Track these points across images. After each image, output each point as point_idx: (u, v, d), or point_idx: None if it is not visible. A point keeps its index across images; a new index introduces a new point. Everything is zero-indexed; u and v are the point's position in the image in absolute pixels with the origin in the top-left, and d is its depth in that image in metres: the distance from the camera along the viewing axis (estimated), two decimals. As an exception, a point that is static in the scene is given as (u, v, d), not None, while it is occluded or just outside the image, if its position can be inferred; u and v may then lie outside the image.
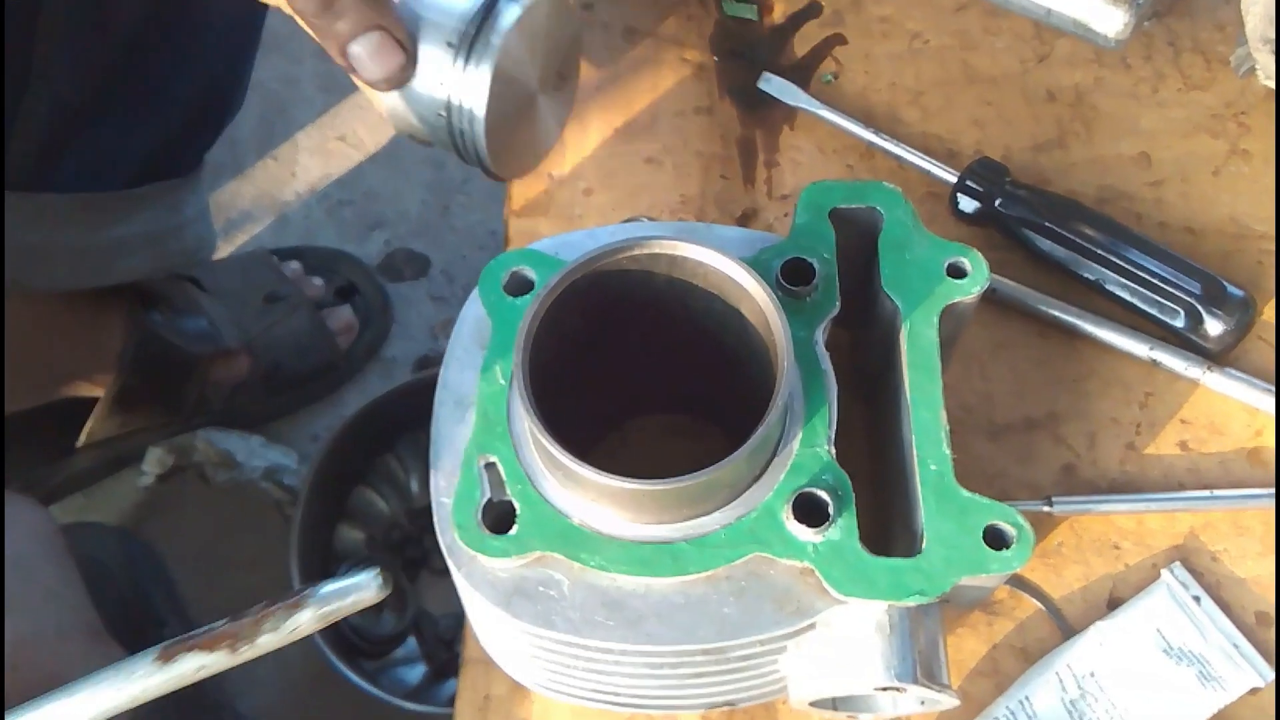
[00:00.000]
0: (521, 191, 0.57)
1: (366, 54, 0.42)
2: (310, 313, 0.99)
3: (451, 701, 0.89)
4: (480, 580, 0.36)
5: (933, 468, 0.37)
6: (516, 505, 0.37)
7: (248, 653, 0.32)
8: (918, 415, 0.37)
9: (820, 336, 0.39)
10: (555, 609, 0.35)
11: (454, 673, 0.90)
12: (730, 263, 0.37)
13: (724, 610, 0.35)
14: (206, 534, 0.97)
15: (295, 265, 1.03)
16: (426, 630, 0.92)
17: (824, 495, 0.36)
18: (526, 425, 0.36)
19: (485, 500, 0.37)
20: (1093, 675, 0.43)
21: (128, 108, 0.75)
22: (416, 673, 0.91)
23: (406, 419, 0.96)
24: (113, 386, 0.88)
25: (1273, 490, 0.45)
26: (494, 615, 0.36)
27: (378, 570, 0.33)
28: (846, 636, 0.35)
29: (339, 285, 1.04)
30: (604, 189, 0.56)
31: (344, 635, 0.87)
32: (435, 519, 0.38)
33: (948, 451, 0.37)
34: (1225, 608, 0.44)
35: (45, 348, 0.85)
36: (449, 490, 0.38)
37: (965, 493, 0.36)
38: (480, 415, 0.38)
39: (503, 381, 0.39)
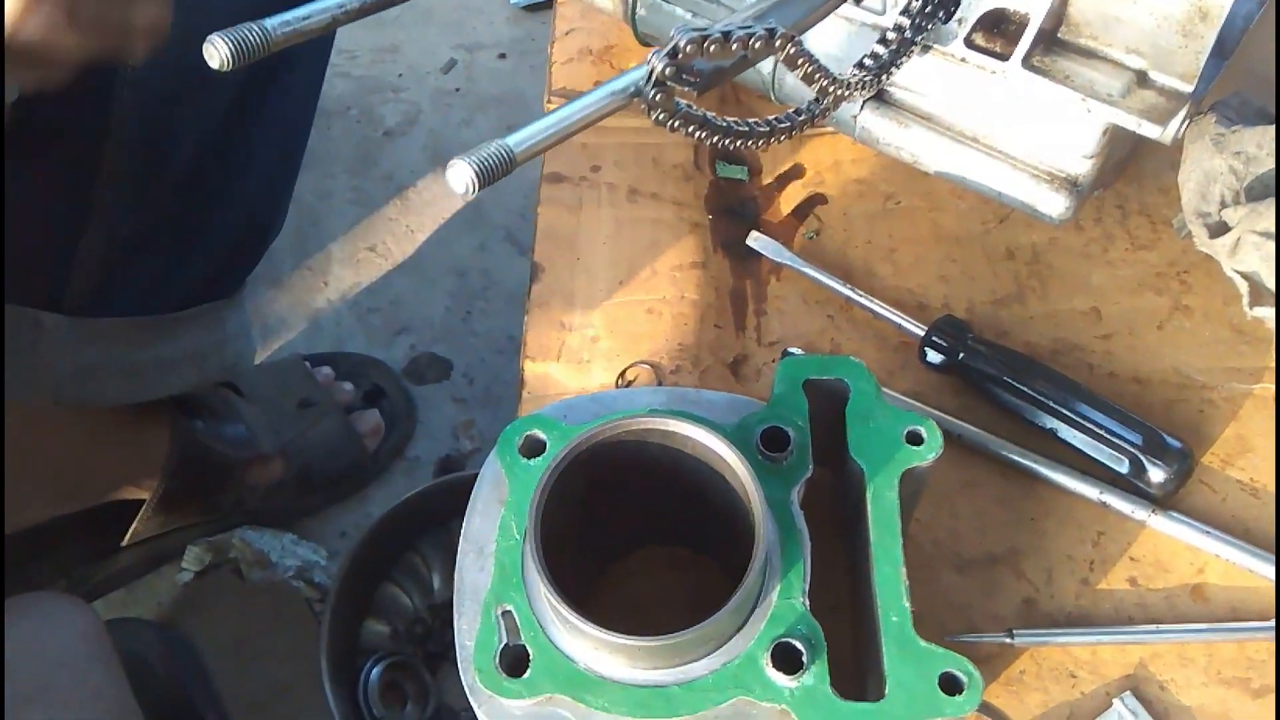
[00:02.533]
0: (536, 339, 0.63)
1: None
2: (340, 417, 1.06)
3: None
4: (499, 717, 0.42)
5: (894, 619, 0.41)
6: (530, 651, 0.42)
7: None
8: (880, 570, 0.42)
9: (795, 497, 0.44)
10: None
11: (469, 767, 0.94)
12: (715, 439, 0.43)
13: None
14: (240, 628, 1.02)
15: (327, 371, 1.10)
16: (446, 723, 0.96)
17: (799, 645, 0.40)
18: (539, 583, 0.42)
19: (502, 646, 0.42)
20: (1049, 797, 0.48)
21: (178, 240, 0.83)
22: (437, 765, 0.95)
23: (430, 518, 1.02)
24: (157, 490, 0.94)
25: (1213, 625, 0.50)
26: (511, 750, 0.42)
27: None
28: None
29: (367, 389, 1.11)
30: (609, 336, 0.63)
31: (368, 728, 0.92)
32: (459, 659, 0.43)
33: (907, 605, 0.41)
34: (1170, 737, 0.48)
35: (96, 457, 0.92)
36: (471, 634, 0.43)
37: (923, 643, 0.41)
38: (498, 566, 0.44)
39: (517, 536, 0.45)
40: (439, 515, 1.03)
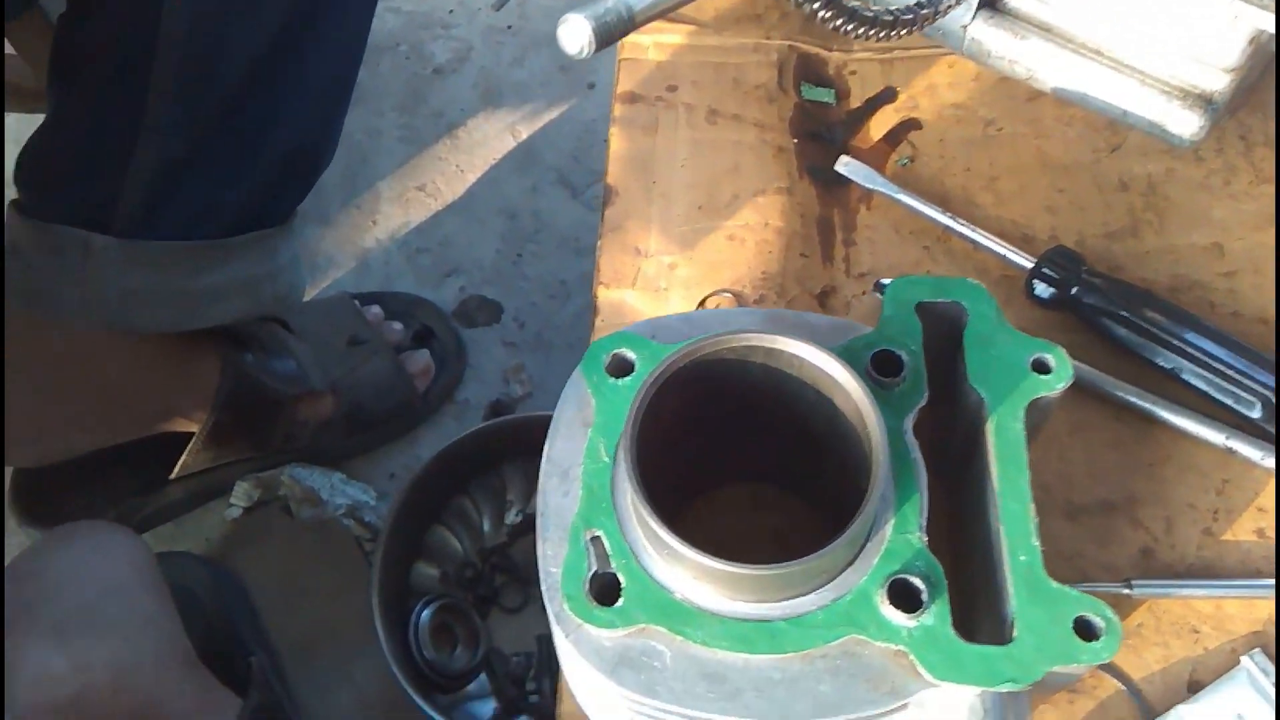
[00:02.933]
0: (610, 264, 0.60)
1: None
2: (391, 357, 1.03)
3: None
4: (587, 648, 0.39)
5: (1022, 559, 0.38)
6: (621, 579, 0.39)
7: None
8: (1006, 507, 0.39)
9: (909, 425, 0.41)
10: (658, 679, 0.38)
11: (525, 710, 0.93)
12: (827, 358, 0.39)
13: (820, 688, 0.37)
14: (288, 565, 1.01)
15: (376, 310, 1.08)
16: (498, 667, 0.95)
17: (918, 582, 0.38)
18: (632, 505, 0.39)
19: (592, 573, 0.39)
20: (1168, 757, 0.45)
21: (228, 161, 0.80)
22: (487, 708, 0.94)
23: (480, 462, 1.00)
24: (207, 423, 0.93)
25: (1271, 581, 0.47)
26: (599, 682, 0.39)
27: None
28: (938, 719, 0.37)
29: (416, 330, 1.08)
30: (687, 264, 0.59)
31: (419, 669, 0.91)
32: (544, 587, 0.41)
33: (1037, 544, 0.38)
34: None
35: (146, 386, 0.90)
36: (556, 560, 0.40)
37: (1055, 584, 0.38)
38: (586, 490, 0.41)
39: (606, 459, 0.42)
40: (489, 459, 1.01)
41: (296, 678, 0.95)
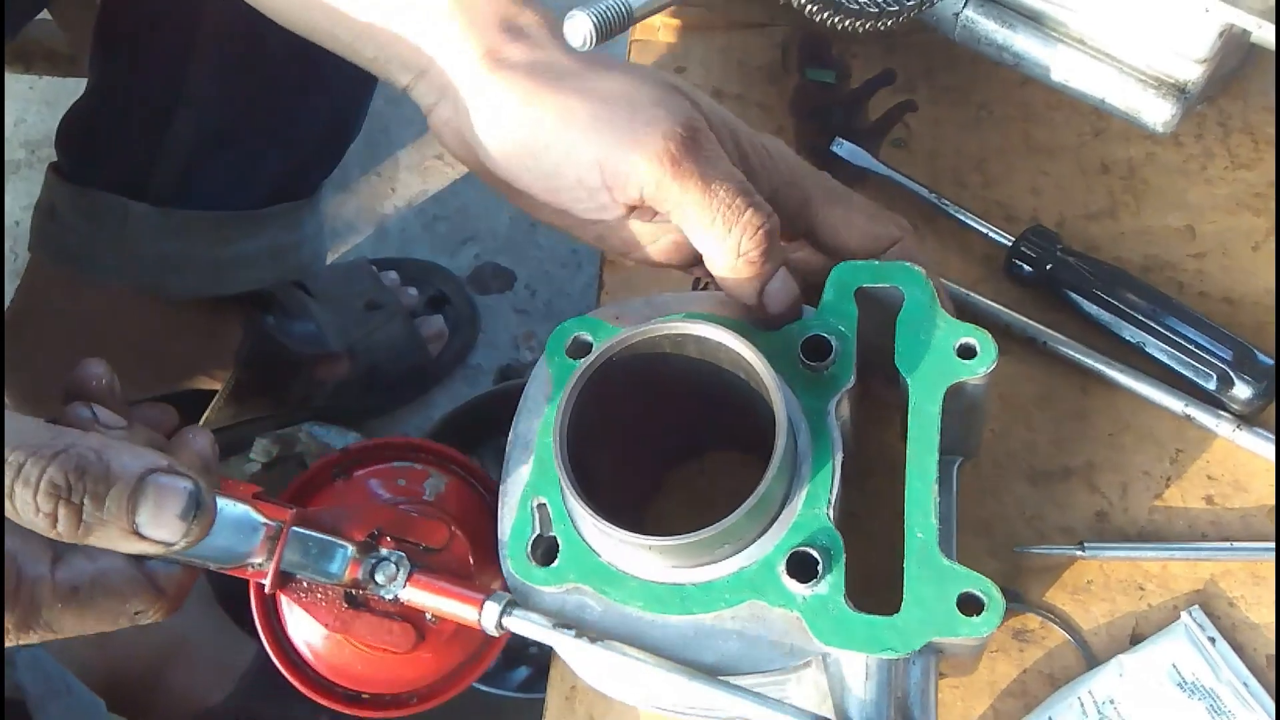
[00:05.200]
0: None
1: (777, 293, 0.44)
2: (406, 321, 1.07)
3: (519, 686, 0.96)
4: (533, 602, 0.42)
5: (919, 535, 0.40)
6: (560, 542, 0.42)
7: None
8: (911, 485, 0.41)
9: (832, 408, 0.42)
10: (588, 631, 0.40)
11: (525, 661, 0.97)
12: (737, 342, 0.41)
13: (727, 645, 0.40)
14: (303, 519, 1.05)
15: (393, 275, 1.11)
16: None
17: (815, 554, 0.40)
18: (561, 478, 0.41)
19: (534, 536, 0.43)
20: (1112, 703, 0.48)
21: (263, 135, 0.84)
22: (520, 673, 0.98)
23: (489, 424, 1.04)
24: (229, 381, 0.97)
25: (1271, 545, 0.50)
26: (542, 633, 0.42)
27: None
28: (838, 677, 0.40)
29: (431, 295, 1.12)
30: (689, 236, 0.62)
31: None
32: (500, 550, 0.44)
33: (934, 521, 0.40)
34: (1239, 650, 0.48)
35: (172, 345, 0.94)
36: (509, 525, 0.44)
37: (946, 561, 0.39)
38: (537, 461, 0.44)
39: None
40: (497, 421, 1.04)
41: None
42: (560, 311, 1.15)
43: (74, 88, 1.27)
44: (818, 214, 0.47)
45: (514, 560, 0.43)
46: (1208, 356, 0.52)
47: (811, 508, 0.41)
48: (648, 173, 0.40)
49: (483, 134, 0.43)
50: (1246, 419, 0.52)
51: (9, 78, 1.25)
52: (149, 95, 0.80)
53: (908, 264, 0.44)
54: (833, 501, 0.41)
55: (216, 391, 0.99)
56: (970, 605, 0.39)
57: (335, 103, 0.87)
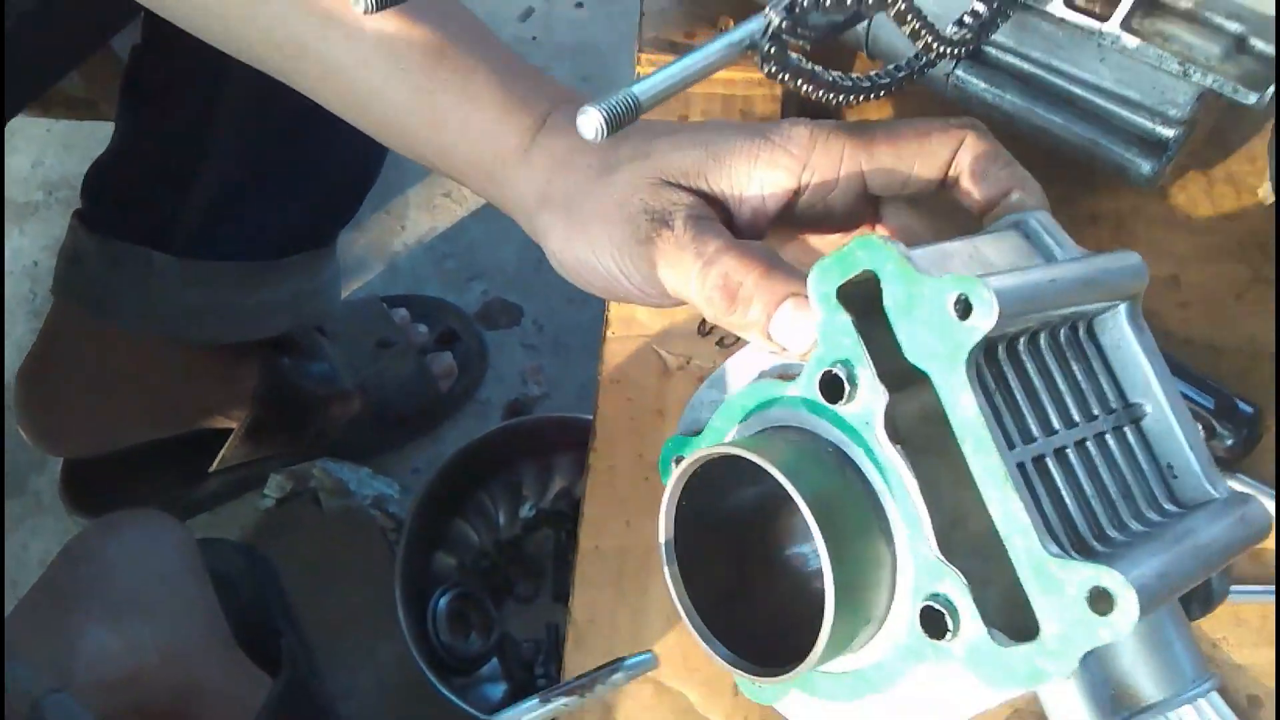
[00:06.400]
0: None
1: (787, 329, 0.39)
2: (416, 358, 1.10)
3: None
4: None
5: (1018, 544, 0.34)
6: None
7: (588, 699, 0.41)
8: (988, 496, 0.35)
9: (880, 438, 0.36)
10: None
11: (533, 691, 0.99)
12: (750, 454, 0.37)
13: (935, 694, 0.37)
14: (317, 553, 1.07)
15: (403, 312, 1.14)
16: (509, 652, 1.01)
17: (939, 608, 0.35)
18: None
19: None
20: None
21: (285, 186, 0.87)
22: (498, 690, 1.00)
23: (499, 459, 1.06)
24: (245, 421, 0.99)
25: (1271, 587, 0.52)
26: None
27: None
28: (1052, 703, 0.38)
29: (441, 332, 1.15)
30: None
31: (436, 653, 0.97)
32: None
33: (1028, 521, 0.34)
34: (1222, 691, 0.50)
35: (191, 388, 0.97)
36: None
37: (1055, 561, 0.34)
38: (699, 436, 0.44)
39: (719, 425, 0.42)
40: (507, 457, 1.07)
41: (323, 659, 1.01)
42: (567, 346, 1.18)
43: (90, 130, 1.31)
44: (873, 180, 0.43)
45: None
46: (1190, 404, 0.54)
47: (918, 549, 0.36)
48: (667, 282, 0.41)
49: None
50: (1229, 466, 0.54)
51: (27, 122, 1.28)
52: (174, 149, 0.83)
53: (865, 237, 0.37)
54: (929, 535, 0.36)
55: (231, 430, 1.01)
56: (1102, 601, 0.33)
57: (355, 153, 0.90)
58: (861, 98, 0.44)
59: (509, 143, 0.46)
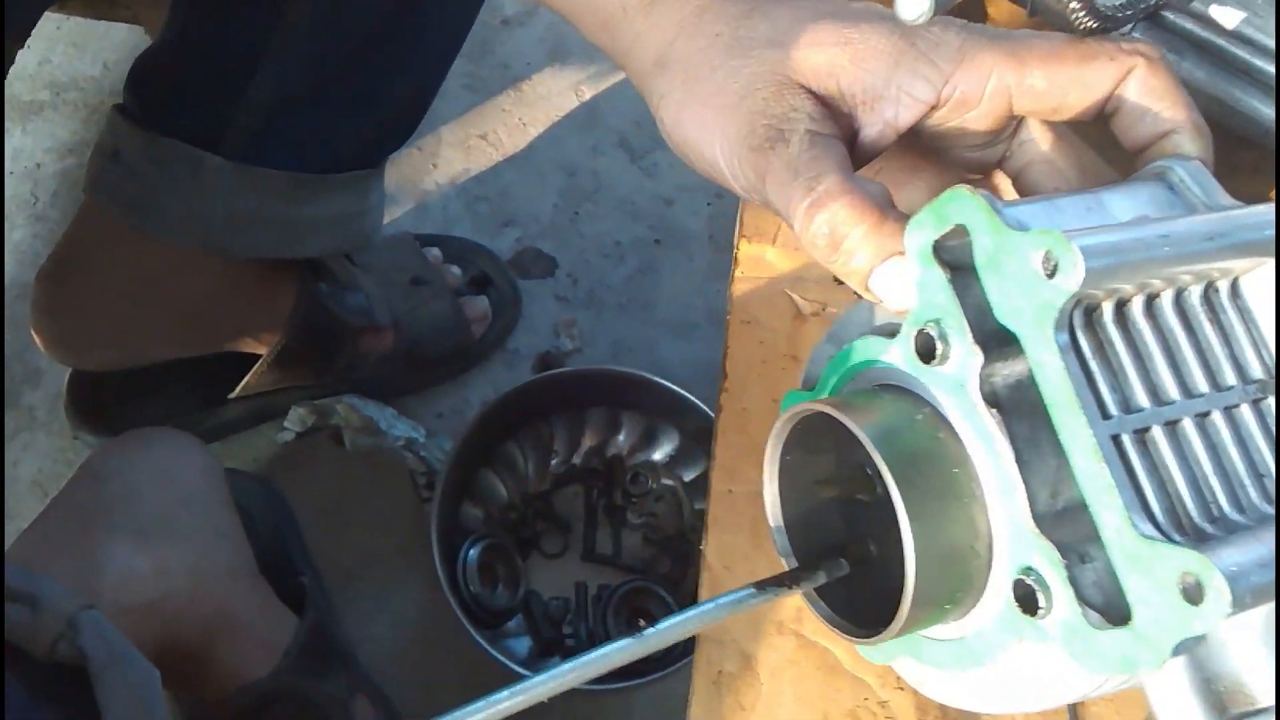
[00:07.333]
0: (753, 219, 0.62)
1: (889, 285, 0.37)
2: (451, 300, 1.05)
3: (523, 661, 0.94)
4: None
5: (1106, 520, 0.32)
6: None
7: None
8: (1075, 465, 0.33)
9: (975, 398, 0.35)
10: None
11: (559, 651, 0.96)
12: (840, 414, 0.36)
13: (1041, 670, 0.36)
14: (334, 493, 1.03)
15: (436, 252, 1.09)
16: (535, 608, 0.98)
17: (1030, 583, 0.34)
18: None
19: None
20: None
21: (343, 102, 0.82)
22: (523, 645, 0.97)
23: (530, 411, 1.03)
24: (276, 346, 0.94)
25: None
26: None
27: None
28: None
29: (473, 275, 1.11)
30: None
31: (464, 603, 0.94)
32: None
33: (1119, 499, 0.32)
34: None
35: (226, 305, 0.91)
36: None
37: (1144, 542, 0.31)
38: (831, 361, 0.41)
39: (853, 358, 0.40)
40: (538, 409, 1.03)
41: (336, 602, 0.97)
42: (601, 301, 1.15)
43: (105, 30, 1.23)
44: (1020, 101, 0.39)
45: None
46: None
47: (1014, 521, 0.34)
48: (753, 185, 0.39)
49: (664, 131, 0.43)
50: None
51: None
52: (235, 45, 0.77)
53: (956, 189, 0.35)
54: (1024, 505, 0.34)
55: (258, 356, 0.96)
56: (1194, 589, 0.30)
57: (416, 79, 0.85)
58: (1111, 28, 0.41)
59: None
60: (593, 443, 1.04)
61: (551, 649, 0.96)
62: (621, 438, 1.04)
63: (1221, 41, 0.54)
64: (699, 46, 0.40)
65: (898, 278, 0.36)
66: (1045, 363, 0.33)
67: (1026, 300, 0.33)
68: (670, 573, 0.99)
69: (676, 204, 1.19)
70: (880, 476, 0.35)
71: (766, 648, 0.50)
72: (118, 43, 1.23)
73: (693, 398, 0.99)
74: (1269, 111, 0.54)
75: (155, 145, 0.80)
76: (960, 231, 0.35)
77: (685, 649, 0.92)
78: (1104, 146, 0.42)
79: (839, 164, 0.38)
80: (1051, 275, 0.32)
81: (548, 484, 1.03)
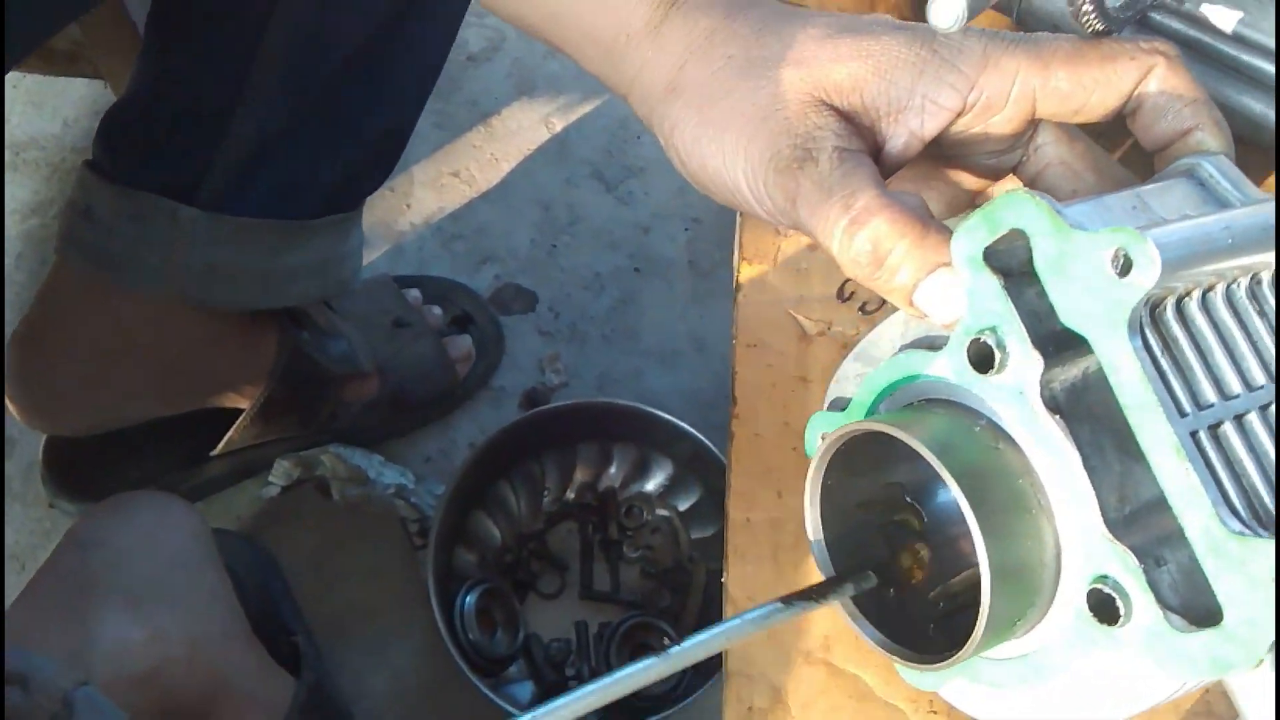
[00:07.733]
0: (752, 241, 0.62)
1: (936, 298, 0.36)
2: (434, 340, 1.04)
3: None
4: None
5: (1192, 520, 0.32)
6: None
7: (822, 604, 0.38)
8: (1157, 466, 0.32)
9: (1038, 410, 0.34)
10: None
11: (563, 691, 0.94)
12: (899, 431, 0.36)
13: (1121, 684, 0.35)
14: (321, 546, 1.00)
15: (415, 293, 1.08)
16: (536, 652, 0.96)
17: (1108, 591, 0.33)
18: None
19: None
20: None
21: (323, 141, 0.81)
22: (526, 690, 0.95)
23: (520, 449, 1.01)
24: (259, 399, 0.92)
25: None
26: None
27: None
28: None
29: (455, 315, 1.09)
30: (818, 256, 0.62)
31: (463, 651, 0.91)
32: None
33: (1204, 494, 0.32)
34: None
35: (206, 360, 0.89)
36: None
37: (1235, 538, 0.31)
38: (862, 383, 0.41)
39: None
40: (530, 448, 1.02)
41: (330, 660, 0.94)
42: (584, 334, 1.14)
43: (62, 87, 1.21)
44: (1043, 104, 0.38)
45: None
46: None
47: (1084, 531, 0.34)
48: (783, 207, 0.38)
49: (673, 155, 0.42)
50: None
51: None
52: (210, 91, 0.76)
53: (1012, 193, 0.34)
54: (1099, 510, 0.34)
55: (239, 411, 0.93)
56: None
57: (394, 110, 0.84)
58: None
59: (637, 14, 0.41)
60: (585, 477, 1.03)
61: (554, 692, 0.94)
62: (613, 470, 1.03)
63: (1210, 40, 0.55)
64: (712, 70, 0.40)
65: (944, 290, 0.35)
66: (1121, 365, 0.32)
67: (1097, 302, 0.33)
68: (671, 605, 0.98)
69: (653, 231, 1.18)
70: (927, 496, 0.35)
71: (796, 679, 0.49)
72: (76, 99, 1.20)
73: (684, 425, 0.99)
74: (1260, 108, 0.54)
75: (130, 200, 0.78)
76: (1012, 236, 0.34)
77: (687, 690, 0.91)
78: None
79: (872, 179, 0.37)
80: (1123, 274, 0.32)
81: (541, 523, 1.02)
